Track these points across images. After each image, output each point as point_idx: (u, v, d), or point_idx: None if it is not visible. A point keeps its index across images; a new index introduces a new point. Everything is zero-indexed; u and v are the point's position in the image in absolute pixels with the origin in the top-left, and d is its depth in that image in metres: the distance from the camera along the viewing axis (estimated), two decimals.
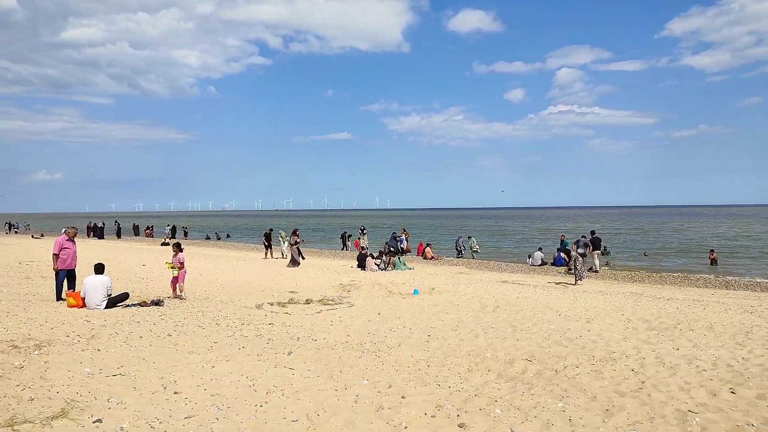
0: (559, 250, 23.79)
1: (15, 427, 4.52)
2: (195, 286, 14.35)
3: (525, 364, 7.08)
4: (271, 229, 27.49)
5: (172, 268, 11.98)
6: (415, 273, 19.54)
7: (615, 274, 20.63)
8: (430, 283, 16.05)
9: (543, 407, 5.39)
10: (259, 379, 6.13)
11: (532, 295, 14.00)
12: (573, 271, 17.22)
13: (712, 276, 20.46)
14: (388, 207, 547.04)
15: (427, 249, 26.89)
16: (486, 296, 13.35)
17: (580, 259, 16.99)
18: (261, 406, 5.29)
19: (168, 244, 35.73)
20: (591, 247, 20.75)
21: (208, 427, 4.73)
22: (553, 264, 23.21)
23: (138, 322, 9.17)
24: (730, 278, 19.82)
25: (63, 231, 12.93)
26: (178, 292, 11.86)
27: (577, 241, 17.91)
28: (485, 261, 26.47)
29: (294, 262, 21.17)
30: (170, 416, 4.94)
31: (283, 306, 11.44)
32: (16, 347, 7.18)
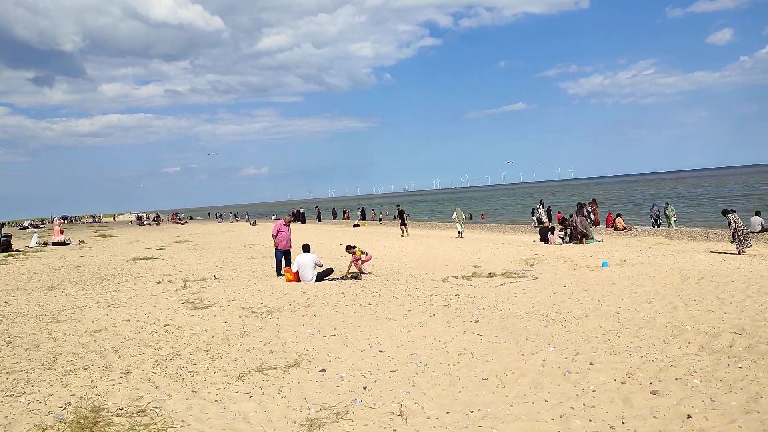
0: None
1: (264, 371, 5.75)
2: (385, 262, 15.67)
3: (733, 337, 6.53)
4: (397, 205, 30.59)
5: (362, 253, 13.21)
6: (604, 245, 18.54)
7: None
8: (622, 255, 15.14)
9: (752, 380, 5.02)
10: (450, 343, 6.72)
11: (747, 265, 12.39)
12: (735, 240, 15.03)
13: None
14: (572, 177, 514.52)
15: (618, 219, 25.12)
16: (688, 267, 12.21)
17: (741, 225, 14.81)
18: (454, 365, 5.86)
19: (358, 225, 38.95)
20: None
21: (410, 379, 5.44)
22: None
23: (342, 293, 10.48)
24: None
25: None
26: (362, 269, 12.97)
27: None
28: (688, 230, 23.83)
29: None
30: (378, 369, 5.77)
31: (467, 279, 11.95)
32: (254, 312, 8.86)
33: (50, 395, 5.20)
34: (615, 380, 5.21)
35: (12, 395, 5.24)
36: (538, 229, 23.14)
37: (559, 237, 19.60)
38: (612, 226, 25.22)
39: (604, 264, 13.18)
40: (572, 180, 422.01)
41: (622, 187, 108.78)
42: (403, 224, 27.36)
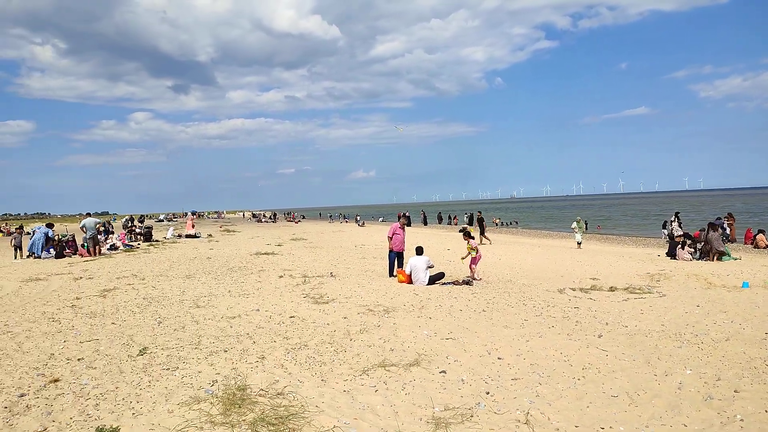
0: None
1: (387, 368, 5.96)
2: (496, 269, 15.43)
3: None
4: (478, 212, 29.57)
5: (471, 250, 13.32)
6: (742, 264, 16.78)
7: None
8: (765, 275, 13.64)
9: None
10: (573, 356, 6.49)
11: None
12: None
13: None
14: (701, 188, 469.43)
15: (759, 236, 22.61)
16: None
17: None
18: (579, 379, 5.66)
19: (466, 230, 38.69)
20: None
21: (533, 389, 5.35)
22: None
23: (455, 297, 10.51)
24: None
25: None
26: (474, 275, 13.04)
27: None
28: None
29: None
30: (499, 376, 5.74)
31: (586, 292, 11.43)
32: (371, 311, 9.17)
33: (199, 372, 5.80)
34: (766, 411, 4.75)
35: (168, 369, 5.92)
36: (666, 243, 21.47)
37: (689, 253, 18.06)
38: (752, 244, 22.77)
39: (745, 284, 11.97)
40: (701, 191, 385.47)
41: (763, 200, 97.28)
42: (482, 233, 26.73)
